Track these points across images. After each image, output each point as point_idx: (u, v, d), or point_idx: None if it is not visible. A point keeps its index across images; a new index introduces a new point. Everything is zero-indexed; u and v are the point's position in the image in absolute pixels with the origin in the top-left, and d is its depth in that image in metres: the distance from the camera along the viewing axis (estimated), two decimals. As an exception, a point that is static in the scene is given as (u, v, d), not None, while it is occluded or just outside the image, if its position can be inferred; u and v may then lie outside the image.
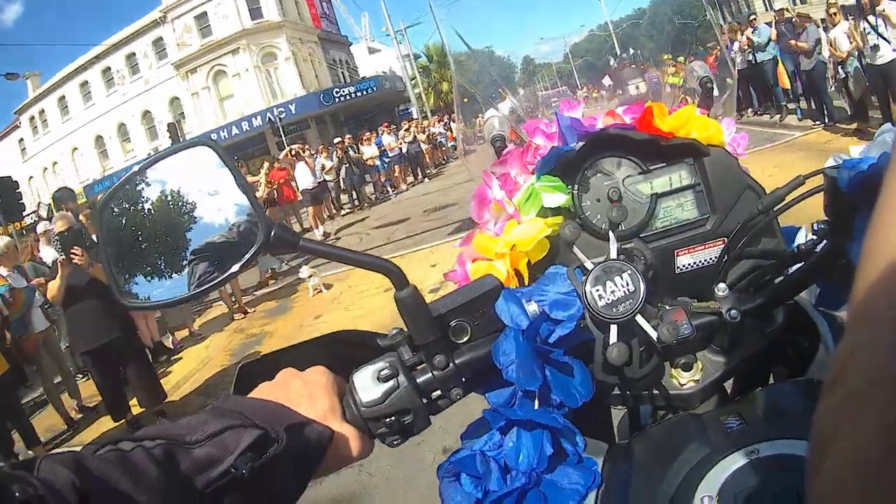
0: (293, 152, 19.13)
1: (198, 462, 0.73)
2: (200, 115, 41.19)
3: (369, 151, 22.12)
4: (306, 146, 21.41)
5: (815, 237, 0.97)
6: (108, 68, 43.84)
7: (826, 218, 0.94)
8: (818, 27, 12.79)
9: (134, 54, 43.12)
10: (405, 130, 24.11)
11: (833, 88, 12.66)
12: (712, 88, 1.35)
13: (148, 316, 8.75)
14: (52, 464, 0.65)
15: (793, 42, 12.92)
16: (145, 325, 8.74)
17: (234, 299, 10.97)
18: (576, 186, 1.12)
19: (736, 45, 15.55)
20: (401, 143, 23.18)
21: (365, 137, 23.37)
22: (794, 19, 13.52)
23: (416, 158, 24.25)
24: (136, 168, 0.87)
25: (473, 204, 1.19)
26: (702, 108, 1.24)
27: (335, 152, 20.37)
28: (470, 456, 0.86)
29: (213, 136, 36.24)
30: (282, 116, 34.97)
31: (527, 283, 1.06)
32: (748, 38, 14.97)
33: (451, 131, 27.33)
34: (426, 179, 24.06)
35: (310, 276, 10.42)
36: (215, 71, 41.48)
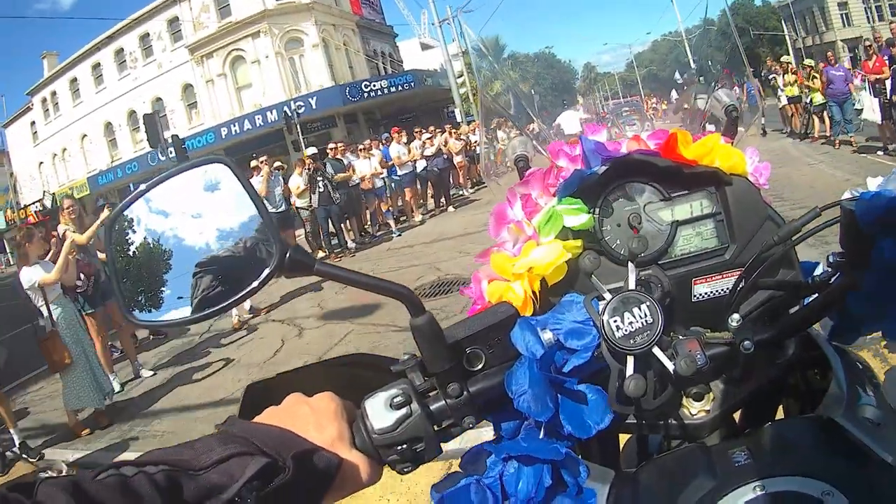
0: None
1: (202, 490, 0.72)
2: (214, 105, 37.47)
3: (363, 168, 14.07)
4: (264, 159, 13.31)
5: (829, 269, 0.97)
6: (122, 49, 40.69)
7: (841, 250, 0.93)
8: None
9: (148, 35, 39.71)
10: (427, 139, 15.92)
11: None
12: (737, 117, 1.32)
13: None
14: (50, 487, 0.64)
15: None
16: None
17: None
18: (597, 210, 1.13)
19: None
20: (415, 157, 14.99)
21: (361, 147, 15.21)
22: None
23: (441, 178, 16.25)
24: (147, 184, 0.88)
25: (491, 222, 1.20)
26: (726, 136, 1.23)
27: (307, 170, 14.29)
28: (464, 487, 0.88)
29: (224, 130, 34.28)
30: (300, 112, 31.40)
31: (539, 304, 1.08)
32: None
33: (498, 139, 19.71)
34: (451, 208, 15.90)
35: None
36: (233, 56, 37.68)
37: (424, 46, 49.14)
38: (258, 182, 12.65)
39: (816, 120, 16.96)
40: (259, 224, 0.84)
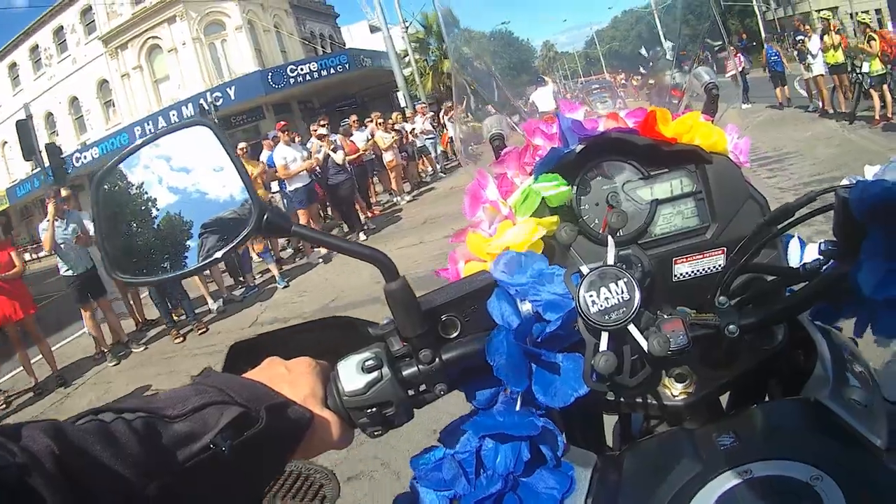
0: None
1: (178, 436, 0.72)
2: (131, 102, 33.15)
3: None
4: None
5: (821, 257, 0.93)
6: (37, 46, 36.32)
7: (834, 238, 0.91)
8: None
9: (62, 28, 35.30)
10: (323, 137, 10.86)
11: None
12: (717, 95, 1.27)
13: None
14: (33, 430, 0.63)
15: None
16: None
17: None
18: (575, 189, 1.08)
19: None
20: (311, 164, 10.06)
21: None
22: None
23: (335, 197, 11.15)
24: (133, 145, 0.86)
25: (466, 201, 1.14)
26: (706, 114, 1.21)
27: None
28: (438, 462, 0.86)
29: (138, 130, 29.53)
30: (217, 104, 26.72)
31: None
32: None
33: (447, 130, 17.20)
34: (362, 234, 10.86)
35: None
36: (149, 46, 32.93)
37: (374, 29, 43.94)
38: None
39: (875, 95, 12.09)
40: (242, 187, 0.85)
